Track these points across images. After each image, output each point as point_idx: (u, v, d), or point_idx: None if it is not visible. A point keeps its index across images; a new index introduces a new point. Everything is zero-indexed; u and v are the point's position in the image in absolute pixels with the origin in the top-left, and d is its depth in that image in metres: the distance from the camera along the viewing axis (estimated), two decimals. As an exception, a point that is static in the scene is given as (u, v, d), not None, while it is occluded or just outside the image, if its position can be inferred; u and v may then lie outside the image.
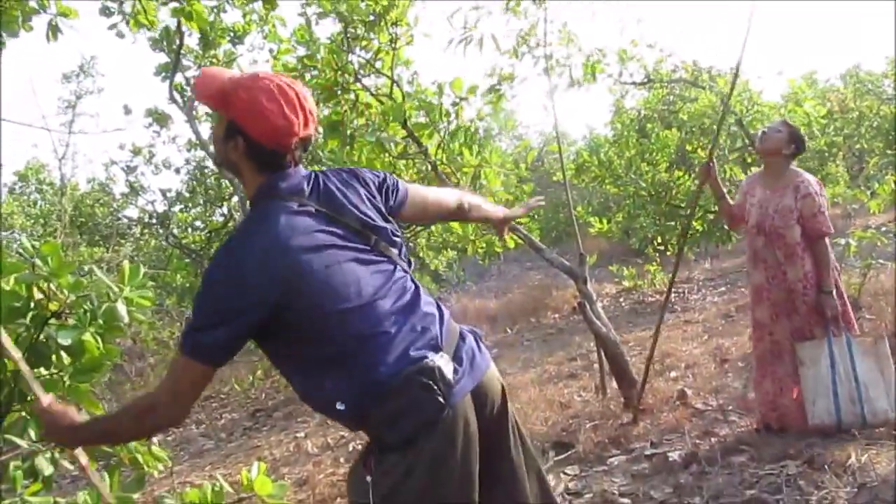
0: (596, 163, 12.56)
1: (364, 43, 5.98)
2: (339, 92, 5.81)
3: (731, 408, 5.05)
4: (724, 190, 4.86)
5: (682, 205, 11.74)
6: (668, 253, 12.90)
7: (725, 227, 11.32)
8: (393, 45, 5.86)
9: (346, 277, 1.96)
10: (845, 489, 3.37)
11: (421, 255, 10.95)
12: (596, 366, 6.02)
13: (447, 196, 2.56)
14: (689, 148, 11.75)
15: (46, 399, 2.04)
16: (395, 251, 2.13)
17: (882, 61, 19.93)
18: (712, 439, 4.40)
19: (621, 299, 12.35)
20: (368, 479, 1.94)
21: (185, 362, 1.87)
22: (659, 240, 12.42)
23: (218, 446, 7.83)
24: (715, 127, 11.26)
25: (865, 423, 3.99)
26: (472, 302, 13.38)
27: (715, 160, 4.71)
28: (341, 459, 5.85)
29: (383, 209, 2.19)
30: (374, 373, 1.92)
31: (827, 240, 4.17)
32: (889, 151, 13.43)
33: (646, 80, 11.15)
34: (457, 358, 2.04)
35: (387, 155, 5.40)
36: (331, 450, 6.31)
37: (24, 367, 2.01)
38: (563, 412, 5.65)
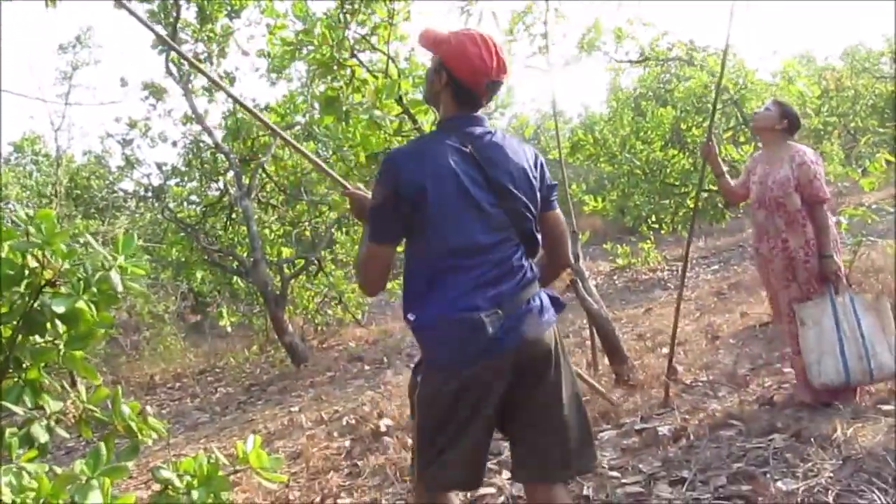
0: (591, 141, 12.55)
1: (362, 18, 5.96)
2: (335, 68, 5.80)
3: (720, 383, 5.09)
4: (724, 168, 4.93)
5: (677, 183, 11.75)
6: (663, 231, 12.93)
7: (720, 205, 11.35)
8: (390, 21, 5.84)
9: (461, 214, 2.31)
10: (831, 461, 3.40)
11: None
12: (588, 343, 6.05)
13: (560, 247, 2.68)
14: (683, 126, 11.75)
15: (349, 186, 2.82)
16: (516, 220, 2.41)
17: (880, 39, 19.86)
18: (701, 414, 4.44)
19: (615, 277, 12.41)
20: (418, 378, 2.44)
21: (365, 245, 2.40)
22: (653, 218, 12.44)
23: (213, 420, 7.88)
24: (710, 106, 11.33)
25: (873, 378, 4.08)
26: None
27: (714, 139, 4.77)
28: (335, 434, 5.88)
29: (536, 193, 2.48)
30: (441, 305, 2.30)
31: (826, 207, 4.25)
32: (881, 130, 13.44)
33: (641, 58, 11.16)
34: (510, 318, 2.32)
35: (382, 132, 5.37)
36: (324, 424, 6.35)
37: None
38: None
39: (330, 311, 12.26)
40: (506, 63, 2.43)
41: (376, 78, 5.66)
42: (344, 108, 5.64)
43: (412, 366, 2.60)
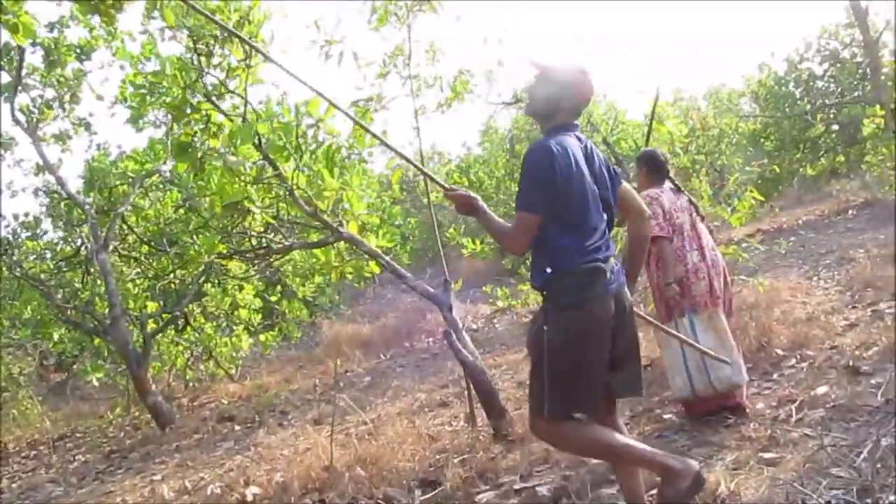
0: (466, 183, 12.47)
1: (217, 60, 5.64)
2: (188, 112, 5.44)
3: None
4: None
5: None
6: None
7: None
8: (247, 63, 5.54)
9: (585, 197, 3.04)
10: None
11: (288, 282, 10.54)
12: (466, 390, 5.81)
13: (638, 202, 3.46)
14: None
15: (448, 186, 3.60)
16: (606, 203, 3.18)
17: (740, 80, 20.75)
18: (582, 470, 4.24)
19: (495, 320, 12.29)
20: (545, 328, 3.01)
21: (518, 215, 3.04)
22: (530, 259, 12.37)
23: (67, 493, 7.24)
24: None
25: (716, 389, 4.56)
26: (344, 328, 13.03)
27: None
28: (198, 505, 5.46)
29: (608, 183, 3.22)
30: (577, 259, 2.99)
31: (665, 241, 4.77)
32: (748, 168, 13.88)
33: (514, 100, 11.15)
34: (612, 271, 3.07)
35: (239, 180, 5.03)
36: (188, 494, 5.91)
37: None
38: (432, 445, 5.41)
39: (202, 367, 11.66)
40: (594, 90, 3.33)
41: (233, 122, 5.34)
42: (199, 155, 5.29)
43: (540, 321, 3.07)
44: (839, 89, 15.52)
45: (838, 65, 15.80)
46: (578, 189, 3.01)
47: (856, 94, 15.07)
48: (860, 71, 15.22)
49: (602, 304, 3.00)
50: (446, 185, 3.63)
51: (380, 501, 4.53)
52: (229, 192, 5.07)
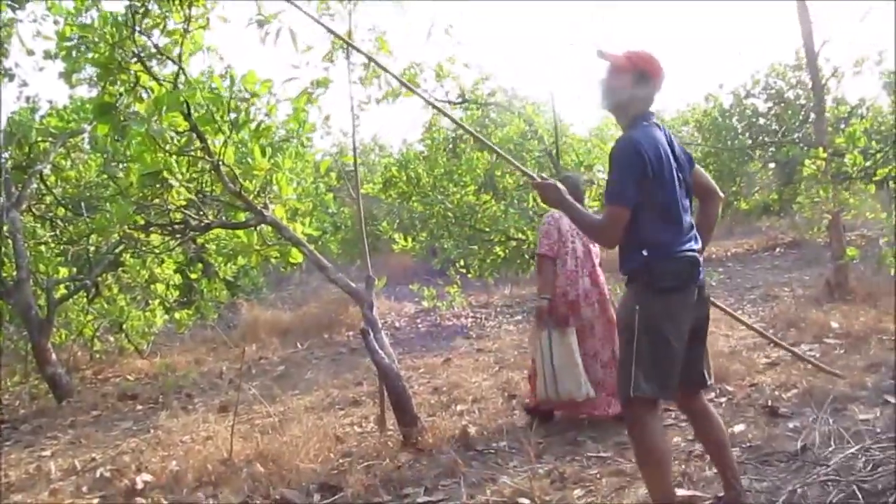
0: (404, 178, 12.27)
1: (154, 22, 5.34)
2: (116, 71, 5.13)
3: (513, 452, 4.77)
4: None
5: (487, 228, 11.63)
6: (470, 276, 12.77)
7: (526, 255, 11.34)
8: (186, 27, 5.26)
9: (674, 185, 3.16)
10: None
11: (210, 260, 10.19)
12: (379, 393, 5.60)
13: (710, 185, 3.58)
14: (497, 172, 11.67)
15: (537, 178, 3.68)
16: (688, 190, 3.30)
17: (683, 106, 20.94)
18: (489, 490, 4.07)
19: (419, 320, 12.10)
20: (637, 307, 3.11)
21: (609, 208, 3.09)
22: (461, 262, 12.26)
23: (-52, 464, 6.80)
24: (525, 154, 11.35)
25: (560, 398, 5.12)
26: (264, 313, 12.67)
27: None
28: (84, 488, 5.15)
29: (688, 166, 3.35)
30: (673, 246, 3.13)
31: (548, 260, 5.30)
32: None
33: (461, 99, 10.97)
34: (701, 263, 3.22)
35: (160, 149, 4.73)
36: (76, 474, 5.58)
37: None
38: (337, 447, 5.20)
39: (112, 339, 11.21)
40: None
41: (162, 87, 5.04)
42: (122, 119, 4.98)
43: (632, 302, 3.17)
44: (783, 128, 15.74)
45: (782, 104, 16.04)
46: (669, 178, 3.13)
47: (796, 135, 15.32)
48: (803, 113, 15.47)
49: (691, 291, 3.18)
50: (535, 175, 3.91)
51: (276, 503, 4.30)
52: (148, 161, 4.77)
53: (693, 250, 3.17)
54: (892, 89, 14.87)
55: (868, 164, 7.81)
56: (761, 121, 16.77)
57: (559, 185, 3.40)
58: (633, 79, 3.25)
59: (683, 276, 3.13)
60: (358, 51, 5.15)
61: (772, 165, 16.81)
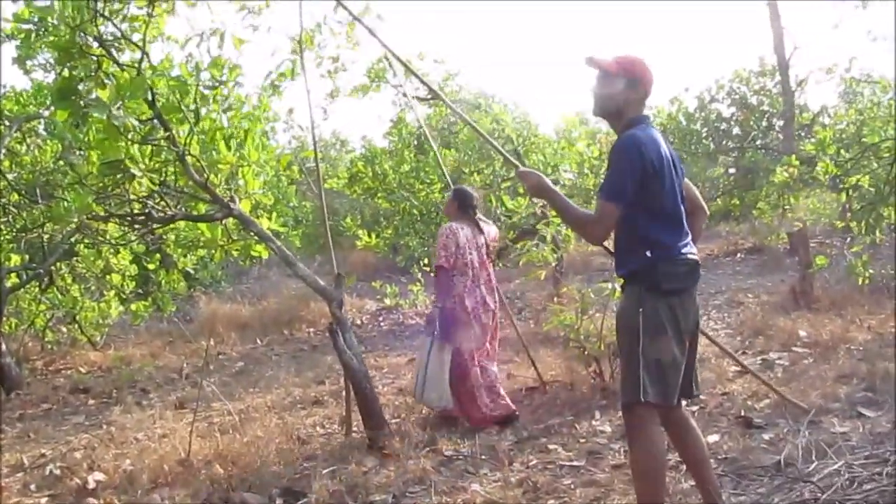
0: (370, 174, 12.10)
1: (117, 6, 5.12)
2: (76, 56, 4.90)
3: (483, 458, 4.66)
4: None
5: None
6: (433, 274, 12.64)
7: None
8: (150, 12, 5.05)
9: (672, 188, 3.15)
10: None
11: (169, 251, 9.93)
12: (345, 394, 5.47)
13: (699, 199, 3.56)
14: (465, 170, 11.55)
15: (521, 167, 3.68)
16: (681, 193, 3.25)
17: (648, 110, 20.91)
18: (460, 499, 3.96)
19: (381, 318, 11.95)
20: (640, 309, 3.06)
21: (603, 204, 3.05)
22: (425, 260, 12.13)
23: None
24: (493, 152, 11.23)
25: (423, 402, 5.47)
26: (223, 306, 12.43)
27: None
28: (32, 487, 4.97)
29: (681, 174, 3.32)
30: (676, 248, 3.14)
31: (445, 271, 5.50)
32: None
33: (430, 96, 10.83)
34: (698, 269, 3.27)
35: (123, 137, 4.52)
36: (24, 471, 5.39)
37: None
38: (301, 449, 5.06)
39: (65, 329, 10.89)
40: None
41: (124, 72, 4.83)
42: (82, 105, 4.77)
43: (633, 305, 3.12)
44: (748, 134, 15.81)
45: (745, 110, 16.10)
46: (669, 180, 3.13)
47: (758, 141, 15.40)
48: (766, 120, 15.56)
49: (690, 295, 3.21)
50: (519, 165, 3.99)
51: (235, 507, 4.16)
52: (109, 149, 4.57)
53: (693, 254, 3.20)
54: (851, 98, 15.04)
55: (839, 172, 7.81)
56: (724, 126, 16.83)
57: (542, 174, 3.44)
58: (625, 84, 3.24)
59: (686, 278, 3.16)
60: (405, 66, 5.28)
61: (732, 171, 16.88)
